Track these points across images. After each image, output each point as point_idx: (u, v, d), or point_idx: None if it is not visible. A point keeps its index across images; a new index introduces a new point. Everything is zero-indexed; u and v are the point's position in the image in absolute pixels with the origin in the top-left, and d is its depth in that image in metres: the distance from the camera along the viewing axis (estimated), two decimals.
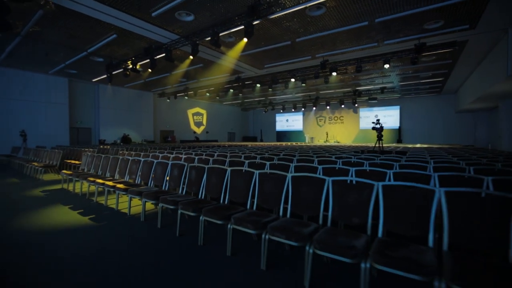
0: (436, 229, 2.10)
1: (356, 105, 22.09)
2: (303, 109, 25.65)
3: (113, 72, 12.60)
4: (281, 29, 9.00)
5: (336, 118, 25.45)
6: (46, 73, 14.70)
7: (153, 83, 17.24)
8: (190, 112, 25.24)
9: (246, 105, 27.91)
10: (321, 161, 4.81)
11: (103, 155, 6.13)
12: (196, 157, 5.36)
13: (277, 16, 7.98)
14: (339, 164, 4.05)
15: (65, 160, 9.17)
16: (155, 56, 10.42)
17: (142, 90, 19.65)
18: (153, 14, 8.14)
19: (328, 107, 23.99)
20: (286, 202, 2.92)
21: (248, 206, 3.18)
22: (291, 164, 4.14)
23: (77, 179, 5.75)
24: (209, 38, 8.45)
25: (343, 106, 22.30)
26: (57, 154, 8.12)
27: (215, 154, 6.12)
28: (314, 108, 24.95)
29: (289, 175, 3.00)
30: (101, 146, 12.15)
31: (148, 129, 20.76)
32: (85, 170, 6.49)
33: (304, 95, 21.88)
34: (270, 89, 16.64)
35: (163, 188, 4.26)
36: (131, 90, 19.18)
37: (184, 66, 13.25)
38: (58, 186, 6.67)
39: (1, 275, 2.45)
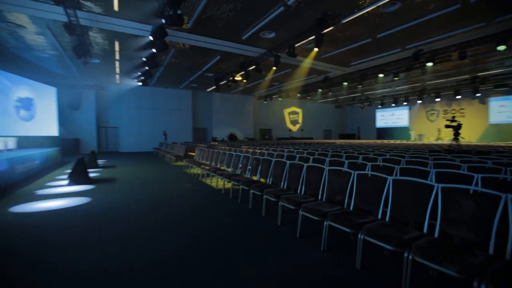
0: None
1: (479, 94, 17.98)
2: (405, 103, 22.92)
3: (220, 83, 15.82)
4: (357, 29, 9.26)
5: (453, 111, 21.35)
6: (177, 88, 19.88)
7: (252, 88, 20.04)
8: (286, 111, 27.19)
9: (340, 102, 27.36)
10: (438, 165, 4.14)
11: (208, 149, 8.56)
12: (285, 154, 6.08)
13: (350, 20, 8.40)
14: (464, 170, 3.58)
15: (188, 153, 12.66)
16: (248, 68, 12.61)
17: (244, 94, 22.97)
18: (243, 38, 10.21)
19: (438, 99, 20.50)
20: (385, 205, 2.76)
21: (345, 205, 3.19)
22: (396, 167, 3.72)
23: (191, 165, 8.37)
24: (287, 50, 9.75)
25: (459, 97, 18.64)
26: (182, 148, 11.52)
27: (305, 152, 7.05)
28: (419, 101, 21.89)
29: (390, 178, 2.83)
30: (211, 143, 15.60)
31: (249, 128, 24.05)
32: (197, 159, 9.17)
33: (408, 87, 19.69)
34: (360, 86, 16.23)
35: (240, 173, 5.93)
36: (236, 96, 22.82)
37: (271, 74, 15.04)
38: (182, 170, 9.69)
39: (167, 205, 4.67)
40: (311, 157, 5.33)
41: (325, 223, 2.88)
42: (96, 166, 10.21)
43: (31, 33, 9.49)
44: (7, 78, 11.62)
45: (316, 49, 8.68)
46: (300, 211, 3.22)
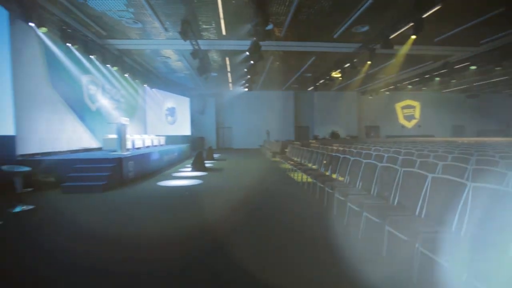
0: None
1: None
2: None
3: (317, 83, 16.14)
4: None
5: None
6: (280, 90, 21.48)
7: (354, 83, 19.13)
8: (398, 105, 24.14)
9: (475, 90, 21.65)
10: None
11: (298, 147, 9.34)
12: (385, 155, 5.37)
13: None
14: None
15: (284, 149, 13.80)
16: (344, 65, 12.42)
17: (346, 91, 22.09)
18: (334, 36, 10.30)
19: None
20: None
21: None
22: None
23: (282, 161, 9.38)
24: (383, 41, 9.13)
25: None
26: (278, 145, 12.75)
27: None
28: None
29: None
30: (310, 141, 16.17)
31: (352, 125, 22.94)
32: (288, 156, 10.10)
33: None
34: (499, 68, 12.65)
35: (320, 169, 6.40)
36: (337, 93, 22.29)
37: (366, 68, 13.99)
38: (276, 164, 10.89)
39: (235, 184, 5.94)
40: (399, 157, 5.09)
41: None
42: (212, 158, 12.88)
43: (173, 60, 13.09)
44: (160, 94, 16.29)
45: (413, 37, 7.80)
46: (348, 203, 3.51)
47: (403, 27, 8.49)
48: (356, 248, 2.96)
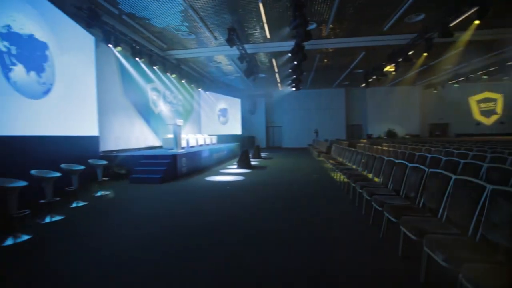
0: None
1: None
2: None
3: (369, 79, 15.23)
4: None
5: None
6: (330, 88, 20.85)
7: (415, 77, 17.39)
8: (472, 99, 20.97)
9: None
10: None
11: (341, 147, 9.16)
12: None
13: None
14: None
15: (330, 149, 13.49)
16: (398, 58, 11.51)
17: (404, 85, 20.16)
18: (384, 29, 9.70)
19: None
20: None
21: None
22: None
23: (324, 160, 9.32)
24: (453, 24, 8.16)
25: None
26: (325, 144, 12.55)
27: None
28: None
29: None
30: (361, 140, 15.40)
31: (414, 123, 20.85)
32: (332, 155, 9.95)
33: None
34: None
35: (361, 170, 6.28)
36: (394, 88, 20.53)
37: (422, 60, 12.58)
38: (320, 164, 10.81)
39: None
40: (444, 158, 4.66)
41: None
42: (259, 157, 13.43)
43: (224, 65, 14.07)
44: (213, 96, 17.61)
45: (476, 22, 6.88)
46: (373, 202, 3.49)
47: (467, 11, 7.55)
48: (375, 249, 3.02)
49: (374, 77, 14.40)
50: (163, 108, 12.06)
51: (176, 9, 8.10)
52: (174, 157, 7.64)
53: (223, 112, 19.11)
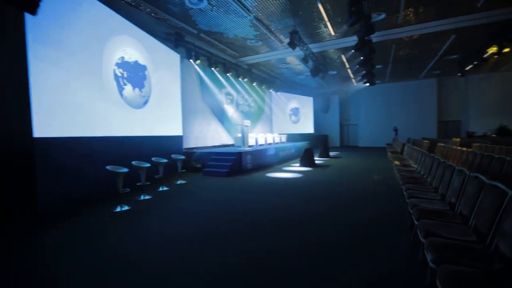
0: None
1: None
2: None
3: (466, 66, 12.77)
4: None
5: None
6: (417, 80, 18.31)
7: None
8: None
9: None
10: None
11: (413, 147, 8.27)
12: None
13: None
14: None
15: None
16: (503, 38, 9.38)
17: None
18: (478, 5, 8.14)
19: None
20: None
21: None
22: None
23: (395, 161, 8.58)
24: None
25: None
26: (400, 144, 11.34)
27: None
28: None
29: None
30: (454, 139, 13.09)
31: None
32: (404, 156, 9.03)
33: None
34: None
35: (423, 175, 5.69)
36: (505, 75, 16.35)
37: None
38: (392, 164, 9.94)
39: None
40: None
41: None
42: (327, 156, 13.23)
43: (294, 65, 14.44)
44: (284, 97, 18.17)
45: None
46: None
47: None
48: (398, 252, 2.98)
49: (475, 63, 12.00)
50: (234, 110, 13.42)
51: (243, 21, 9.02)
52: (239, 154, 8.60)
53: (295, 111, 19.46)
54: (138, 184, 5.70)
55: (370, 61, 10.58)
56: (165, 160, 6.68)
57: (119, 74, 6.78)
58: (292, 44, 9.35)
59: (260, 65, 14.34)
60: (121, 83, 6.85)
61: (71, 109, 5.39)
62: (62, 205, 5.05)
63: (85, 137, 5.69)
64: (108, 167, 4.93)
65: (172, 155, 7.31)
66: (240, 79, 13.20)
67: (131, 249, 3.20)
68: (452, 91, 18.28)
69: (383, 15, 8.68)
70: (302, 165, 9.94)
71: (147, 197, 5.66)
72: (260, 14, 8.52)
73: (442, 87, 18.43)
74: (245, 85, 14.05)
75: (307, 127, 20.41)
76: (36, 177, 4.69)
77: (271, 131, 16.87)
